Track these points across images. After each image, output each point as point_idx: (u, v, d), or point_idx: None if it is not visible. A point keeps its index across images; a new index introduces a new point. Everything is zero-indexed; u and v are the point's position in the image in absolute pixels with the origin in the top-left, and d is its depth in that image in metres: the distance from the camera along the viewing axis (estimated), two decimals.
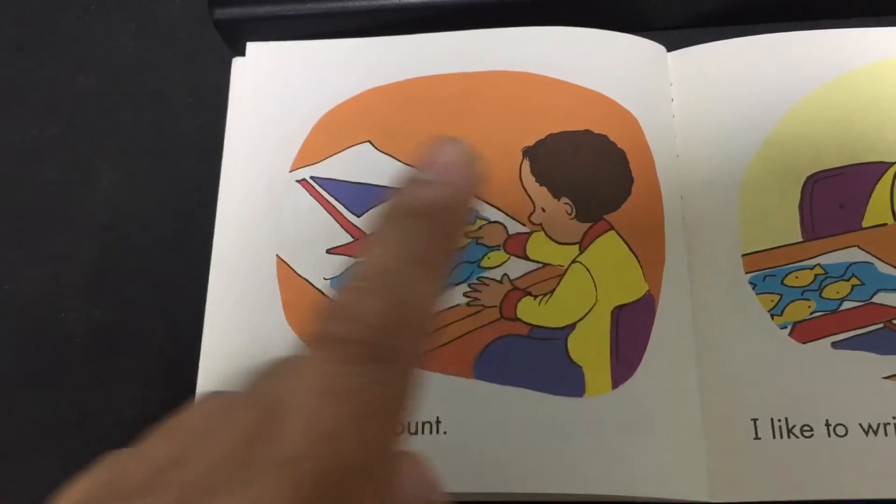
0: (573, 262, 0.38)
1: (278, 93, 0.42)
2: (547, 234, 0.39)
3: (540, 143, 0.40)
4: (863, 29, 0.42)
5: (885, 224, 0.39)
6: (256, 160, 0.41)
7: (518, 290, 0.38)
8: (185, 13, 0.46)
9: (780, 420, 0.36)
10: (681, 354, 0.37)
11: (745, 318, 0.37)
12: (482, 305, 0.38)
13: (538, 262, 0.38)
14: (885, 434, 0.35)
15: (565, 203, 0.39)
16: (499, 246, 0.39)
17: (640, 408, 0.36)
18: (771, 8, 0.44)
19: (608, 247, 0.38)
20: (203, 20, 0.44)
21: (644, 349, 0.37)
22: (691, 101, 0.42)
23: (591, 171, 0.40)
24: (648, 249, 0.38)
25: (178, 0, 0.46)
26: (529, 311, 0.37)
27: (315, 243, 0.39)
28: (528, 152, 0.40)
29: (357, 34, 0.43)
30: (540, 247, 0.39)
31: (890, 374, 0.36)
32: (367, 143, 0.41)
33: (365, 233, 0.39)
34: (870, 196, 0.39)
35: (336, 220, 0.40)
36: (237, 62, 0.43)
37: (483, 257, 0.39)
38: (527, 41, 0.42)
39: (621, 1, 0.44)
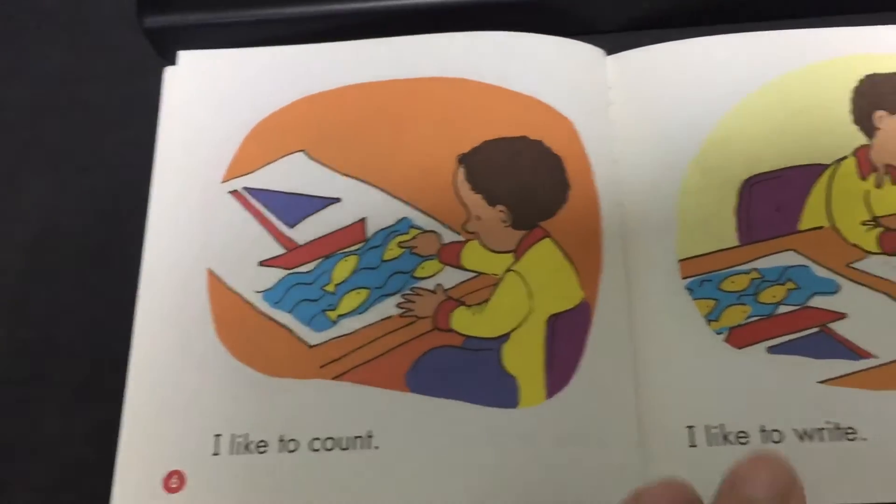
0: (508, 270, 0.38)
1: (210, 102, 0.42)
2: (482, 243, 0.38)
3: (475, 150, 0.40)
4: (800, 31, 0.42)
5: (820, 227, 0.38)
6: (187, 171, 0.40)
7: (452, 300, 0.37)
8: (116, 22, 0.45)
9: (715, 427, 0.35)
10: (617, 362, 0.36)
11: (682, 325, 0.37)
12: (415, 316, 0.37)
13: (473, 271, 0.38)
14: (821, 440, 0.35)
15: (500, 211, 0.39)
16: (433, 255, 0.38)
17: (574, 418, 0.35)
18: (712, 10, 0.44)
19: (543, 254, 0.38)
20: (134, 29, 0.43)
21: (579, 358, 0.36)
22: (630, 105, 0.41)
23: (527, 178, 0.39)
24: (585, 256, 0.38)
25: (109, 9, 0.45)
26: (463, 321, 0.37)
27: (247, 256, 0.39)
28: (463, 160, 0.40)
29: (290, 42, 0.43)
30: (474, 256, 0.38)
31: (825, 378, 0.36)
32: (301, 153, 0.40)
33: (298, 244, 0.39)
34: (806, 199, 0.39)
35: (269, 231, 0.39)
36: (169, 71, 0.42)
37: (417, 267, 0.38)
38: (462, 47, 0.42)
39: (561, 5, 0.43)
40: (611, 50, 0.42)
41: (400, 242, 0.38)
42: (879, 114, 0.40)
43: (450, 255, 0.38)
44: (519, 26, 0.42)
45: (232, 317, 0.37)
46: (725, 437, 0.35)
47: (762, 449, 0.32)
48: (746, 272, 0.38)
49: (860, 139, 0.40)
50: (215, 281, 0.38)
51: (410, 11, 0.43)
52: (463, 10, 0.43)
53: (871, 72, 0.41)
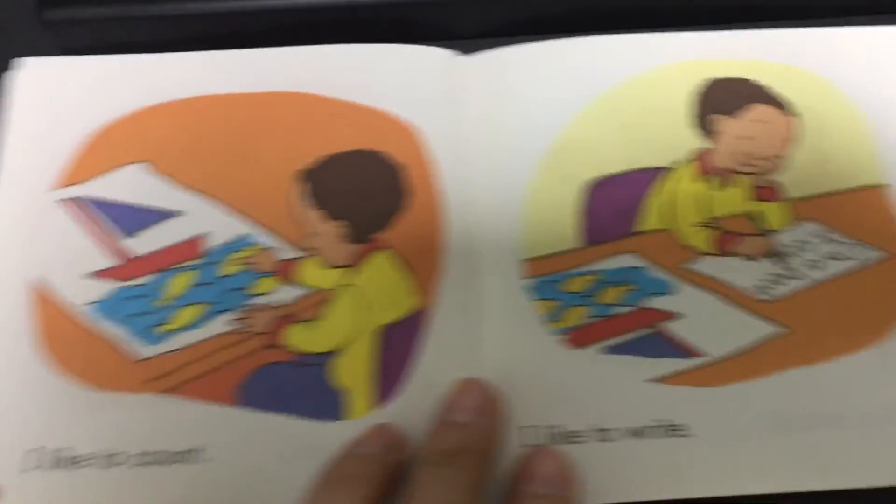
0: (343, 285, 0.38)
1: (46, 109, 0.41)
2: (319, 258, 0.38)
3: (316, 166, 0.39)
4: (647, 34, 0.42)
5: (658, 229, 0.39)
6: (15, 180, 0.39)
7: (287, 316, 0.37)
8: None
9: (549, 427, 0.35)
10: (455, 366, 0.36)
11: (522, 326, 0.37)
12: (250, 333, 0.37)
13: (309, 286, 0.38)
14: (650, 436, 0.35)
15: (339, 226, 0.38)
16: (270, 272, 0.38)
17: (403, 426, 0.35)
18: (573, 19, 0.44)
19: (380, 266, 0.38)
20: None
21: (411, 366, 0.36)
22: (482, 105, 0.41)
23: (366, 192, 0.39)
24: (424, 262, 0.38)
25: None
26: (297, 337, 0.37)
27: (79, 267, 0.38)
28: (302, 176, 0.39)
29: (178, 41, 0.42)
30: (311, 271, 0.38)
31: (657, 376, 0.36)
32: (143, 164, 0.40)
33: (133, 256, 0.38)
34: (646, 201, 0.39)
35: (103, 243, 0.38)
36: (6, 78, 0.41)
37: (253, 284, 0.38)
38: (309, 61, 0.42)
39: (416, 14, 0.43)
40: (466, 51, 0.42)
41: (238, 258, 0.38)
42: (719, 117, 0.41)
43: (287, 272, 0.38)
44: (381, 37, 0.42)
45: (60, 329, 0.37)
46: (563, 437, 0.35)
47: (470, 378, 0.36)
48: (586, 273, 0.38)
49: (700, 143, 0.40)
50: (43, 292, 0.37)
51: (272, 22, 0.43)
52: (323, 24, 0.43)
53: (711, 76, 0.41)
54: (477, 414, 0.34)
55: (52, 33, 0.43)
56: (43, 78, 0.41)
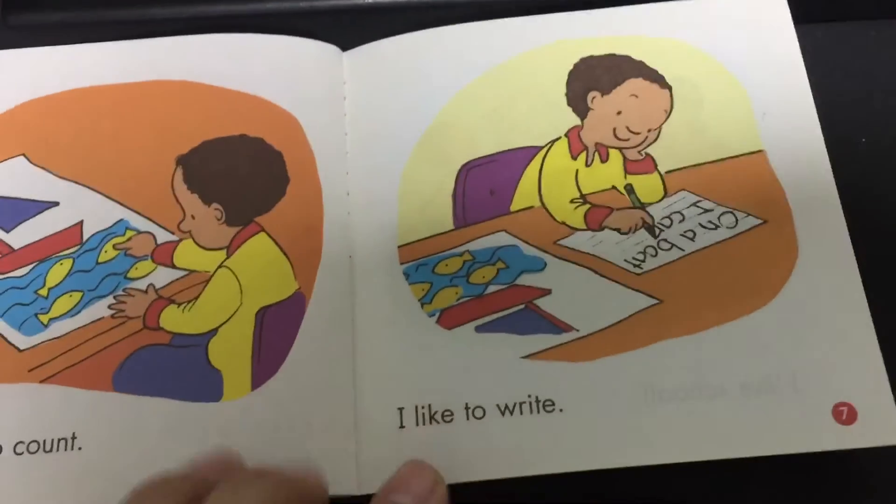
0: (219, 266, 0.38)
1: None
2: (195, 241, 0.39)
3: (193, 150, 0.40)
4: (521, 18, 0.43)
5: (531, 207, 0.39)
6: None
7: (163, 298, 0.38)
8: None
9: (423, 407, 0.36)
10: (333, 350, 0.37)
11: (398, 309, 0.38)
12: (126, 317, 0.37)
13: (185, 269, 0.38)
14: (521, 413, 0.35)
15: (216, 209, 0.39)
16: (147, 256, 0.39)
17: (280, 407, 0.36)
18: None
19: (257, 249, 0.38)
20: None
21: (289, 348, 0.37)
22: (362, 98, 0.42)
23: (243, 175, 0.40)
24: (303, 248, 0.38)
25: None
26: (172, 319, 0.37)
27: None
28: (181, 160, 0.40)
29: None
30: (187, 254, 0.38)
31: (528, 353, 0.36)
32: (21, 157, 0.40)
33: (13, 249, 0.39)
34: (519, 181, 0.40)
35: None
36: None
37: (130, 268, 0.38)
38: (187, 50, 0.42)
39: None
40: (345, 46, 0.43)
41: (115, 244, 0.39)
42: (592, 94, 0.41)
43: (163, 255, 0.39)
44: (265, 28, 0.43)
45: None
46: (432, 417, 0.36)
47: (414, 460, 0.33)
48: (459, 255, 0.39)
49: (573, 120, 0.41)
50: None
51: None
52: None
53: (585, 54, 0.42)
54: (425, 497, 0.32)
55: (17, 37, 0.44)
56: None
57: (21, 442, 0.35)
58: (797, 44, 0.42)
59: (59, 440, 0.35)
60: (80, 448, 0.35)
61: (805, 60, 0.42)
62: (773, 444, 0.34)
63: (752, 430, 0.34)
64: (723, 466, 0.34)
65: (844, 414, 0.34)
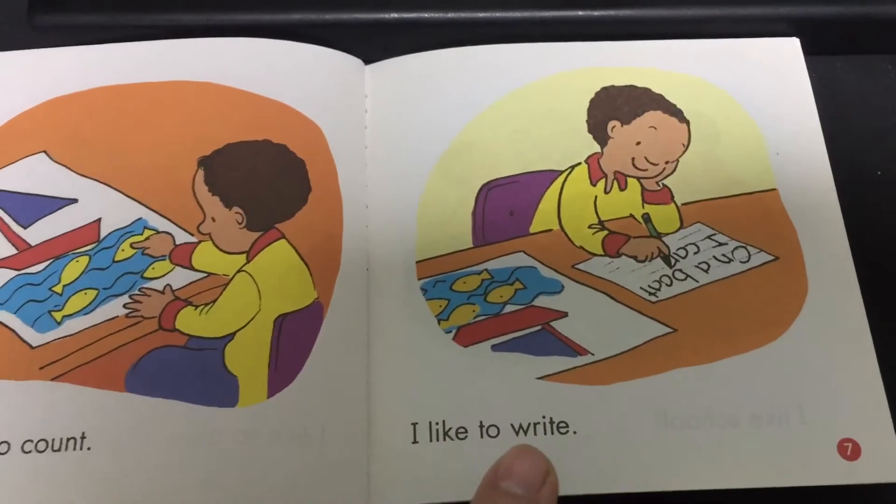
0: (238, 271, 0.38)
1: None
2: (215, 244, 0.39)
3: (216, 152, 0.40)
4: (545, 44, 0.44)
5: (550, 230, 0.40)
6: None
7: (180, 300, 0.37)
8: None
9: (437, 423, 0.36)
10: (348, 361, 0.37)
11: (414, 324, 0.38)
12: (141, 316, 0.37)
13: (203, 271, 0.38)
14: (535, 433, 0.36)
15: (237, 212, 0.39)
16: (164, 256, 0.38)
17: (295, 416, 0.35)
18: None
19: (277, 255, 0.38)
20: None
21: (306, 357, 0.37)
22: (384, 112, 0.42)
23: (266, 181, 0.40)
24: (322, 257, 0.38)
25: None
26: (189, 321, 0.37)
27: None
28: (203, 162, 0.40)
29: None
30: (206, 256, 0.38)
31: (543, 374, 0.37)
32: (42, 154, 0.40)
33: (30, 245, 0.38)
34: (538, 203, 0.40)
35: (2, 232, 0.38)
36: None
37: (147, 268, 0.38)
38: (211, 52, 0.42)
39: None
40: (367, 60, 0.44)
41: (133, 243, 0.38)
42: (612, 123, 0.42)
43: (181, 256, 0.38)
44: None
45: None
46: (446, 434, 0.36)
47: (522, 444, 0.34)
48: (478, 273, 0.39)
49: (593, 147, 0.41)
50: None
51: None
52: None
53: (608, 83, 0.43)
54: (536, 488, 0.31)
55: (43, 38, 0.43)
56: None
57: (29, 440, 0.34)
58: (809, 84, 0.43)
59: (67, 439, 0.35)
60: (88, 448, 0.34)
61: (821, 92, 0.43)
62: (779, 476, 0.35)
63: (760, 461, 0.35)
64: (727, 496, 0.35)
65: (849, 450, 0.35)
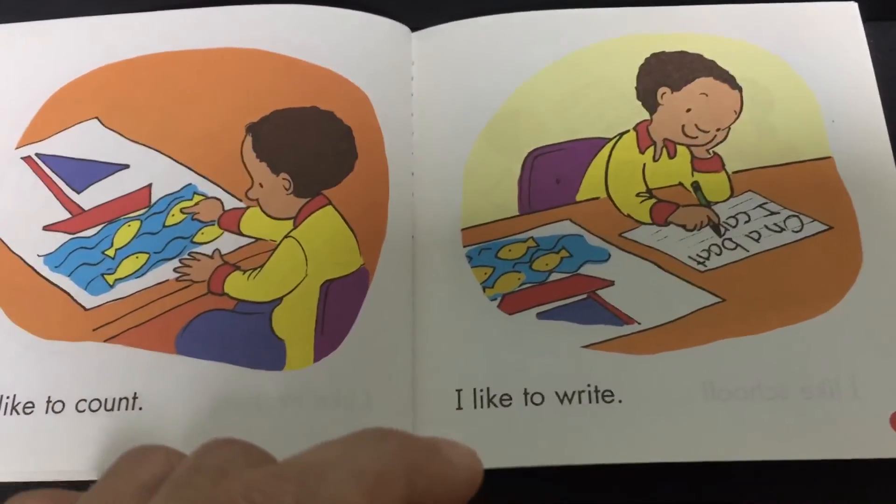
0: (286, 236, 0.38)
1: (8, 72, 0.42)
2: (262, 210, 0.39)
3: (264, 119, 0.40)
4: (593, 9, 0.43)
5: (597, 198, 0.39)
6: None
7: (228, 264, 0.38)
8: None
9: (482, 390, 0.36)
10: (394, 327, 0.37)
11: (459, 291, 0.38)
12: (191, 280, 0.38)
13: (251, 237, 0.38)
14: (580, 401, 0.35)
15: (284, 178, 0.39)
16: (213, 221, 0.39)
17: (341, 381, 0.36)
18: None
19: (324, 222, 0.39)
20: None
21: (352, 323, 0.37)
22: (430, 79, 0.42)
23: (313, 147, 0.40)
24: (368, 224, 0.39)
25: None
26: (237, 285, 0.37)
27: (34, 220, 0.39)
28: (251, 128, 0.40)
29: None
30: (254, 222, 0.39)
31: (589, 343, 0.37)
32: (95, 120, 0.41)
33: (84, 209, 0.39)
34: (585, 171, 0.40)
35: (56, 196, 0.39)
36: None
37: (196, 232, 0.38)
38: (261, 18, 0.42)
39: None
40: (414, 26, 0.43)
41: (183, 208, 0.39)
42: (662, 90, 0.41)
43: (230, 221, 0.39)
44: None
45: (12, 280, 0.38)
46: (490, 400, 0.36)
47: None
48: (523, 241, 0.39)
49: (642, 114, 0.41)
50: None
51: None
52: None
53: (657, 50, 0.42)
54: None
55: (94, 5, 0.44)
56: (8, 43, 0.43)
57: (83, 399, 0.35)
58: (868, 51, 0.42)
59: (120, 399, 0.35)
60: (140, 408, 0.35)
61: (879, 59, 0.42)
62: (829, 449, 0.34)
63: (809, 434, 0.34)
64: (773, 468, 0.34)
65: None
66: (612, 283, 0.38)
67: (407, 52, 0.43)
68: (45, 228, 0.39)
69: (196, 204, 0.39)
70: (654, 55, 0.42)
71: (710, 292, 0.37)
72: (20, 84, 0.42)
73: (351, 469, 0.22)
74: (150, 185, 0.39)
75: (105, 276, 0.38)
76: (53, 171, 0.40)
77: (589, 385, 0.36)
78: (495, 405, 0.36)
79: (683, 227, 0.39)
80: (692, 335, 0.36)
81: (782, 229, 0.38)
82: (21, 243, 0.38)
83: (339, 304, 0.37)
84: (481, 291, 0.38)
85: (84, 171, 0.40)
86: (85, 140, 0.40)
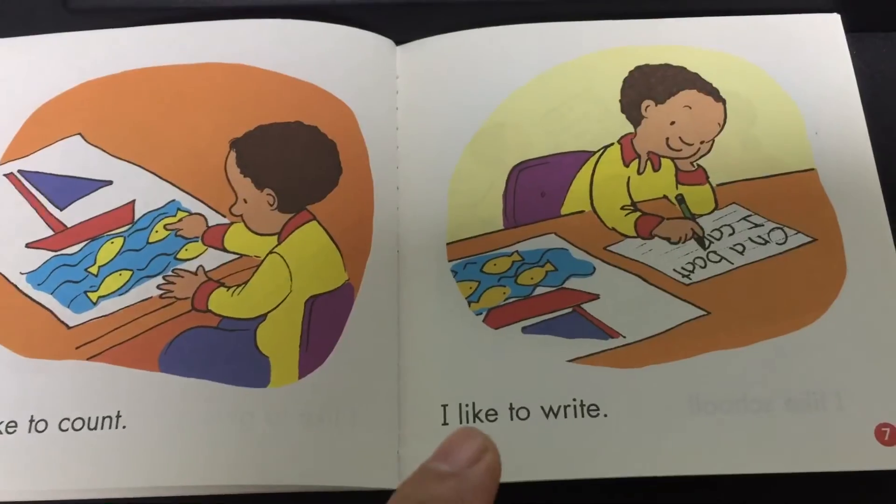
0: (270, 252, 0.38)
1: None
2: (247, 226, 0.39)
3: (248, 134, 0.40)
4: (577, 23, 0.43)
5: (582, 211, 0.39)
6: None
7: (212, 281, 0.38)
8: None
9: (467, 405, 0.36)
10: (379, 343, 0.37)
11: (444, 306, 0.38)
12: (175, 297, 0.37)
13: (235, 253, 0.38)
14: (565, 416, 0.35)
15: (268, 194, 0.39)
16: (197, 237, 0.39)
17: (326, 397, 0.36)
18: None
19: (308, 237, 0.38)
20: None
21: (337, 338, 0.37)
22: (415, 93, 0.42)
23: (297, 162, 0.40)
24: (353, 239, 0.39)
25: None
26: (221, 302, 0.37)
27: (16, 237, 0.39)
28: (235, 144, 0.40)
29: None
30: (238, 238, 0.39)
31: (574, 356, 0.37)
32: (78, 136, 0.41)
33: (67, 226, 0.39)
34: (570, 184, 0.40)
35: (39, 213, 0.39)
36: None
37: (180, 249, 0.38)
38: (244, 34, 0.42)
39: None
40: (399, 40, 0.43)
41: (166, 225, 0.39)
42: (646, 103, 0.41)
43: (214, 238, 0.39)
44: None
45: None
46: (476, 415, 0.36)
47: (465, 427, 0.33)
48: (508, 255, 0.39)
49: (626, 128, 0.41)
50: None
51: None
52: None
53: (641, 63, 0.42)
54: (464, 465, 0.28)
55: (78, 21, 0.44)
56: None
57: (66, 418, 0.35)
58: (850, 63, 0.42)
59: (104, 418, 0.35)
60: (124, 427, 0.35)
61: (862, 71, 0.42)
62: (815, 461, 0.34)
63: (794, 446, 0.34)
64: (758, 481, 0.34)
65: (887, 435, 0.35)
66: (597, 297, 0.38)
67: (391, 65, 0.43)
68: (28, 246, 0.38)
69: (180, 220, 0.39)
70: (637, 68, 0.42)
71: (696, 305, 0.37)
72: (2, 100, 0.42)
73: None
74: (133, 202, 0.39)
75: (88, 293, 0.37)
76: (36, 188, 0.40)
77: (574, 399, 0.36)
78: (481, 420, 0.36)
79: (668, 239, 0.39)
80: (677, 348, 0.37)
81: (766, 241, 0.38)
82: (3, 261, 0.38)
83: (324, 320, 0.37)
84: (466, 306, 0.38)
85: (67, 188, 0.39)
86: (68, 156, 0.40)
